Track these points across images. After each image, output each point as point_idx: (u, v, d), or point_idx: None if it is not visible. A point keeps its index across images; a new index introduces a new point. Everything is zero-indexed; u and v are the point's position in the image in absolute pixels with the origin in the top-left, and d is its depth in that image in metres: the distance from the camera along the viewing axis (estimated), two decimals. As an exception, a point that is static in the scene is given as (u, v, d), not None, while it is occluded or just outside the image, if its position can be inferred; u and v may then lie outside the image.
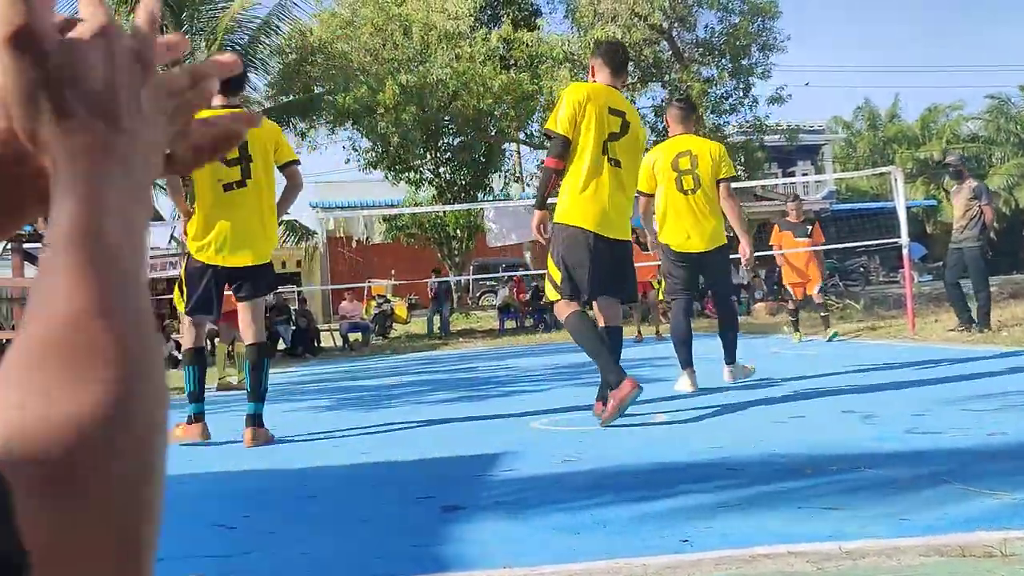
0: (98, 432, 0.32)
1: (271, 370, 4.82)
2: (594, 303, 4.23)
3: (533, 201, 4.46)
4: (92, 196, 0.37)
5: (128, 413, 0.33)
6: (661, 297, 11.24)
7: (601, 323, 4.20)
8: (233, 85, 4.43)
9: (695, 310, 17.24)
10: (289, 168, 4.49)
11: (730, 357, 5.43)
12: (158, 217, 14.81)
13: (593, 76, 4.37)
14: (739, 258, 5.68)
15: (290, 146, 4.60)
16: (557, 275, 4.14)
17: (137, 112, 0.41)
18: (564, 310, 4.11)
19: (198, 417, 4.39)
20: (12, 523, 0.28)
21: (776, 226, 9.69)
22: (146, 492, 0.33)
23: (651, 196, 5.28)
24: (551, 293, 4.26)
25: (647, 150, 5.05)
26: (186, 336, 4.52)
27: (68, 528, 0.30)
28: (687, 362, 5.11)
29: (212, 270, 4.27)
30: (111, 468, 0.32)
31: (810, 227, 9.21)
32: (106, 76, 0.40)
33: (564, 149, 4.07)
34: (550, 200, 4.25)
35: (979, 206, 8.31)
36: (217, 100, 4.64)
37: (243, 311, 4.43)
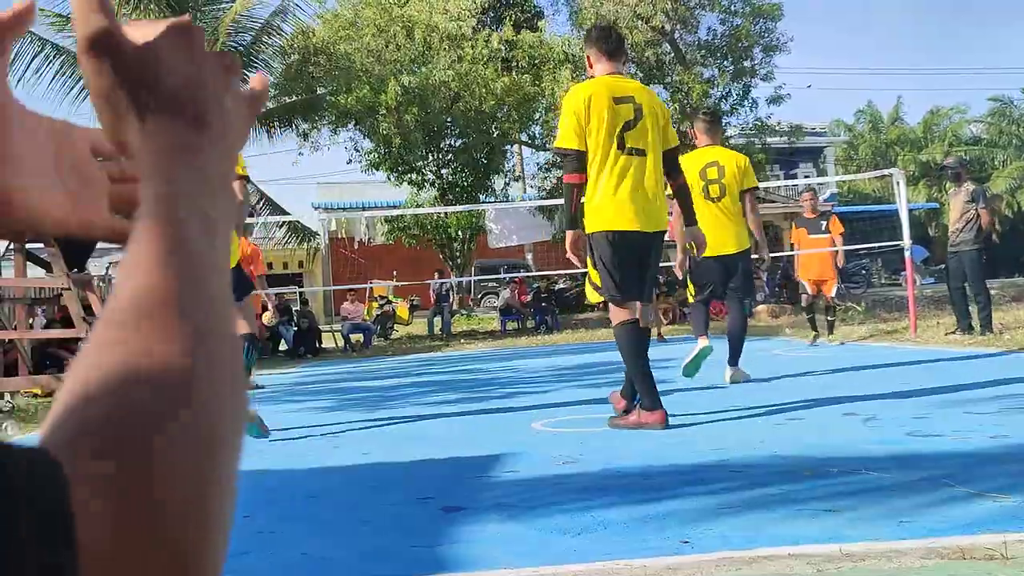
0: (162, 390, 0.32)
1: (273, 370, 4.99)
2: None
3: (534, 203, 4.46)
4: (171, 191, 0.38)
5: (191, 379, 0.34)
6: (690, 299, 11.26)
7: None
8: None
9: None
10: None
11: (734, 359, 5.61)
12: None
13: (591, 67, 4.23)
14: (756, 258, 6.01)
15: (239, 161, 4.67)
16: (597, 277, 4.05)
17: (219, 112, 0.41)
18: (617, 315, 3.99)
19: None
20: (67, 523, 0.28)
21: (793, 224, 9.62)
22: (208, 464, 0.33)
23: None
24: (592, 295, 4.22)
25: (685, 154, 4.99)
26: None
27: (128, 482, 0.30)
28: (704, 331, 5.47)
29: None
30: (168, 432, 0.32)
31: (825, 222, 8.90)
32: (188, 75, 0.40)
33: (580, 163, 3.94)
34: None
35: (976, 209, 8.26)
36: None
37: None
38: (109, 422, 0.31)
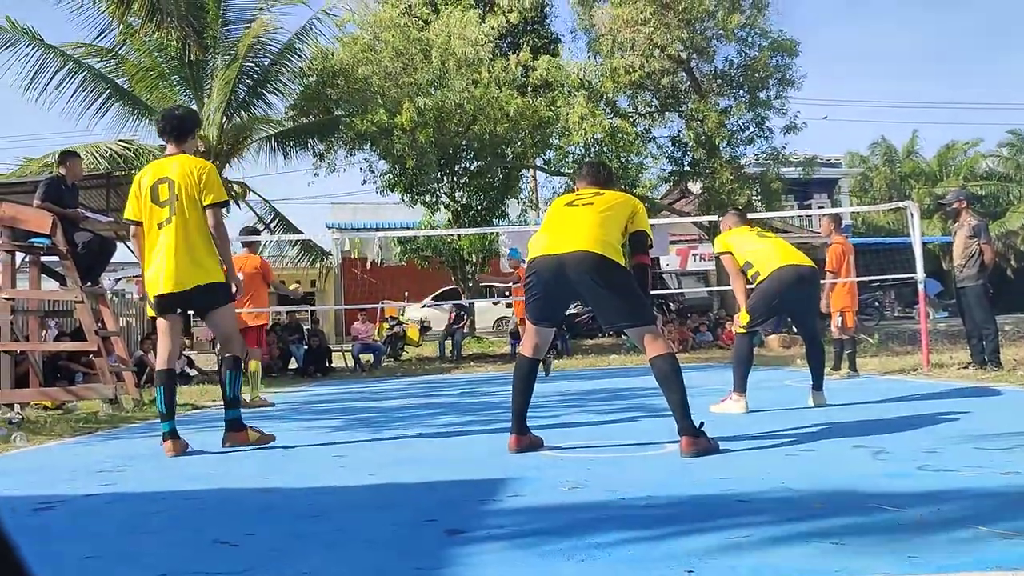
0: None
1: (283, 389, 5.09)
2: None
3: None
4: None
5: None
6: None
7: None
8: (180, 132, 4.81)
9: (708, 341, 17.16)
10: (208, 209, 4.72)
11: (818, 384, 5.89)
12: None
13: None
14: None
15: (216, 187, 4.75)
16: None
17: None
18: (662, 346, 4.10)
19: (168, 435, 4.68)
20: None
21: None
22: None
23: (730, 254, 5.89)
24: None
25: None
26: (158, 356, 4.92)
27: None
28: (744, 386, 5.68)
29: (161, 298, 4.72)
30: None
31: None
32: None
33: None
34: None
35: (978, 244, 8.19)
36: (169, 148, 4.84)
37: (209, 327, 5.08)
38: None
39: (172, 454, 4.58)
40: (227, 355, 4.92)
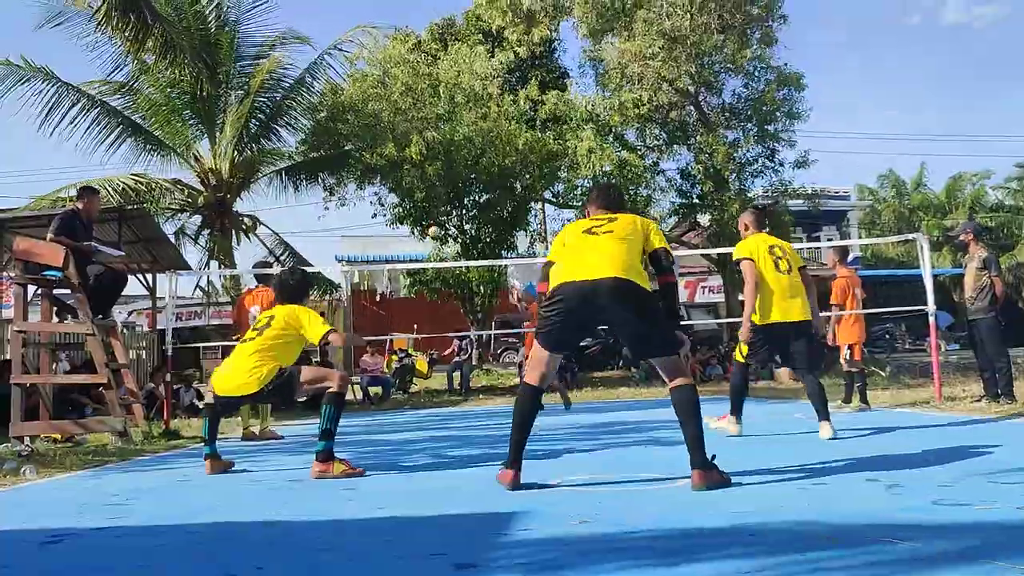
0: None
1: (292, 421, 5.18)
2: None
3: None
4: None
5: None
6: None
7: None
8: (293, 297, 5.54)
9: (719, 374, 17.09)
10: (324, 341, 5.33)
11: (823, 416, 5.96)
12: (185, 267, 14.98)
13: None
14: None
15: (317, 324, 5.31)
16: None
17: None
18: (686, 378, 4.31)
19: (209, 456, 5.40)
20: None
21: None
22: None
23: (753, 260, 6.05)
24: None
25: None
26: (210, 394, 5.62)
27: None
28: (739, 412, 6.21)
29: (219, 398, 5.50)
30: None
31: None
32: None
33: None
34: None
35: (989, 277, 8.18)
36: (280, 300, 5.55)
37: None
38: None
39: (209, 473, 5.31)
40: (328, 391, 5.16)
